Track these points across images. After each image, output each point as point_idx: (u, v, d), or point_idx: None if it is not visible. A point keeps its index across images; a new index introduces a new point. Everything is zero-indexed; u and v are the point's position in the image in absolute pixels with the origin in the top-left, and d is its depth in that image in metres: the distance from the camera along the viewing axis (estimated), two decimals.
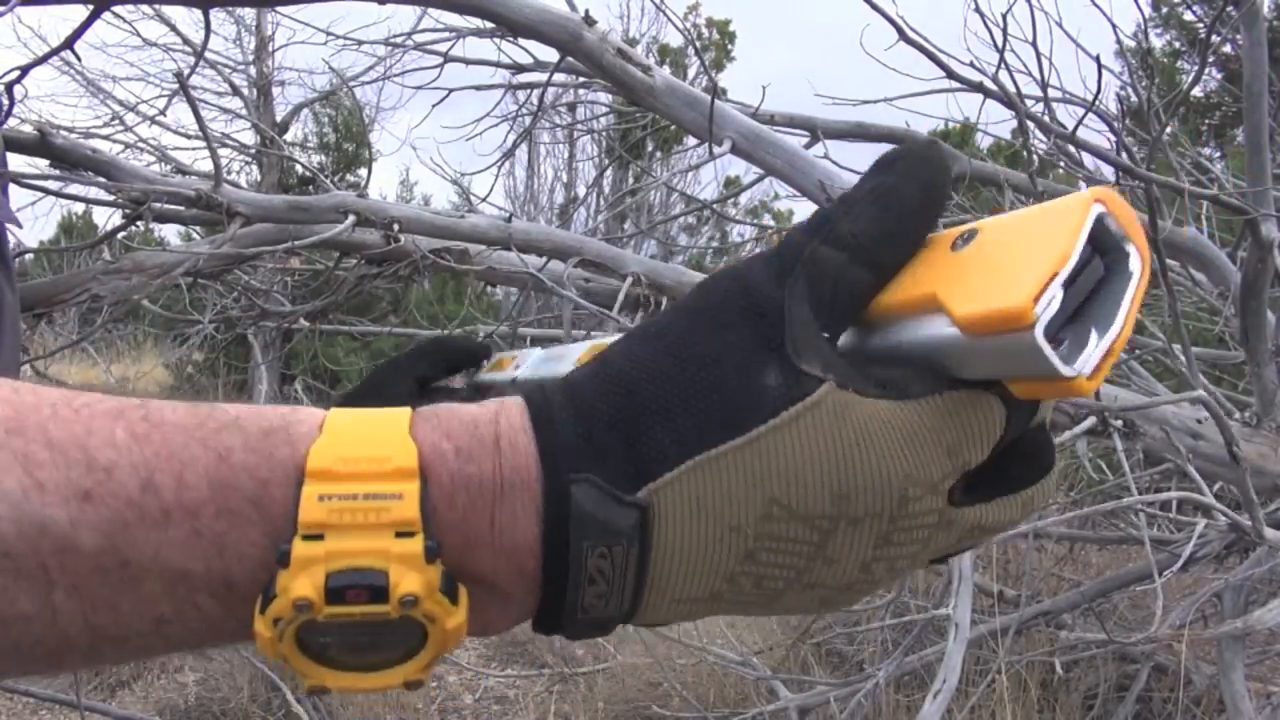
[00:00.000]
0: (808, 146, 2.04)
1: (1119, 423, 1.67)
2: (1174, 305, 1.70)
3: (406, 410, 0.30)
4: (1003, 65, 1.69)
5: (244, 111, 7.18)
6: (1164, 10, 6.96)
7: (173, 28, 6.47)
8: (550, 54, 2.06)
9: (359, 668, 0.29)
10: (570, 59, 1.77)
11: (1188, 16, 7.25)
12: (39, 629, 0.27)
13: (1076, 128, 1.74)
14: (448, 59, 2.41)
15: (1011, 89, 1.72)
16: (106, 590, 0.27)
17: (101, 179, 1.74)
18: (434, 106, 3.59)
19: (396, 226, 1.76)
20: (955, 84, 1.78)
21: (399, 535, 0.27)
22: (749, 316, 0.29)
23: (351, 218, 1.72)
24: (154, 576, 0.27)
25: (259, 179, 7.36)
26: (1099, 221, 0.27)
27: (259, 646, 0.27)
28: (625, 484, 0.27)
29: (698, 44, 8.67)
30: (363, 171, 8.72)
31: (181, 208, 1.71)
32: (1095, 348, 0.27)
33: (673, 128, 2.47)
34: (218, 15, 7.18)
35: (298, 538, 0.27)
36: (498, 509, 0.28)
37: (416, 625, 0.28)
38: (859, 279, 0.29)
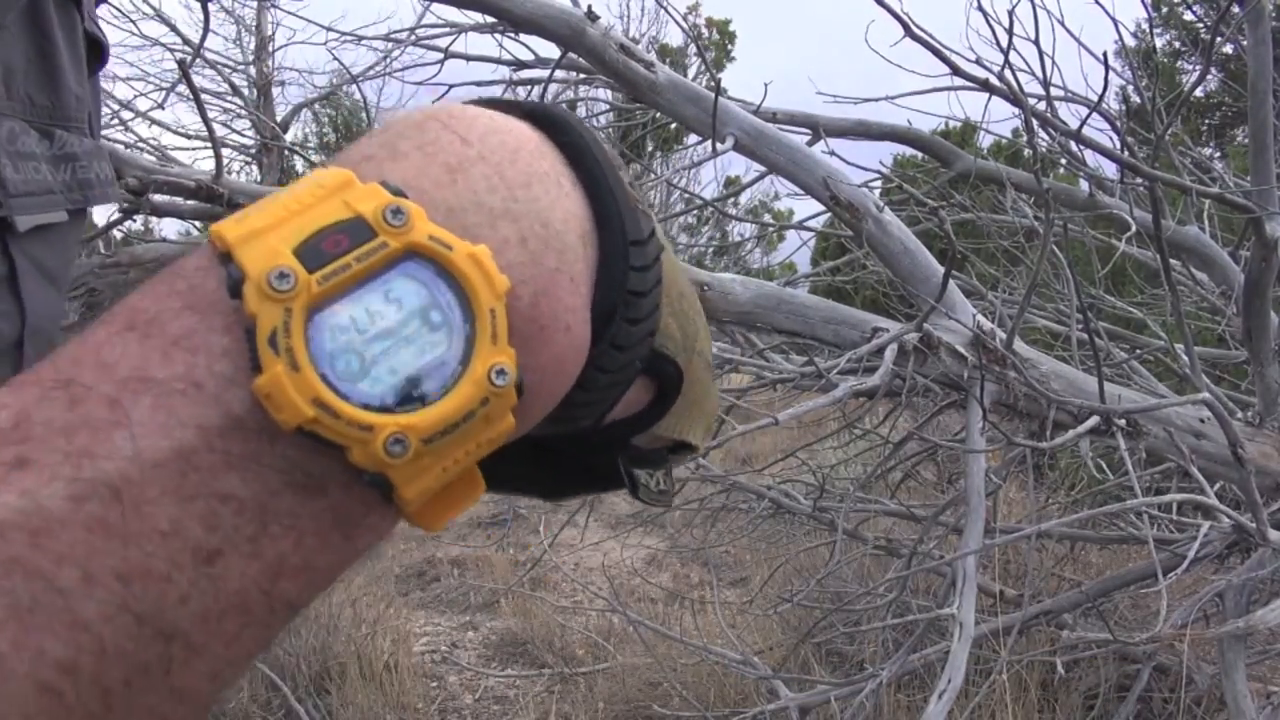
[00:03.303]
0: (809, 145, 2.03)
1: (1122, 422, 1.67)
2: (1176, 304, 1.69)
3: None
4: (1007, 63, 1.68)
5: (244, 112, 7.20)
6: (1164, 10, 6.96)
7: (173, 28, 6.49)
8: (551, 50, 2.05)
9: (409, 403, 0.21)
10: (572, 55, 1.76)
11: (1188, 16, 7.25)
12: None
13: (1082, 125, 1.73)
14: (448, 55, 2.40)
15: (1015, 86, 1.71)
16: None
17: None
18: (434, 103, 3.57)
19: None
20: (960, 81, 1.77)
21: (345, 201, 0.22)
22: None
23: None
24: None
25: (259, 180, 7.36)
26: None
27: (282, 410, 0.20)
28: None
29: (699, 43, 8.66)
30: None
31: (181, 199, 1.70)
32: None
33: (673, 126, 2.47)
34: (217, 15, 7.17)
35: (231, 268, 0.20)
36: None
37: (435, 265, 0.22)
38: None
